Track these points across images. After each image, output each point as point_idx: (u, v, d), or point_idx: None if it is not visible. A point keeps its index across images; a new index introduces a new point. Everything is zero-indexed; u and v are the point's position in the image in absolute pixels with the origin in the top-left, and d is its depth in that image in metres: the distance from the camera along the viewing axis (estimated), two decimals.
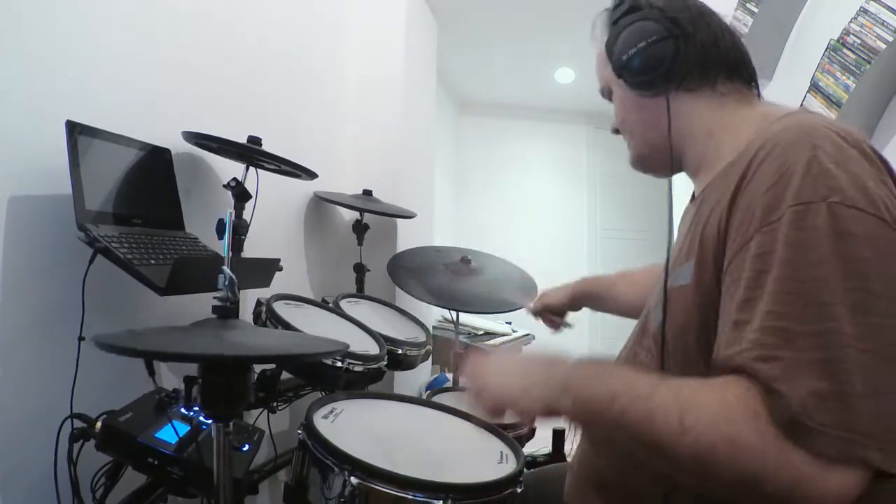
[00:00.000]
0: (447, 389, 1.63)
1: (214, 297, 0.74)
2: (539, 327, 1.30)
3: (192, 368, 0.68)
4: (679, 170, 0.77)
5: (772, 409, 0.48)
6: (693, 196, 0.77)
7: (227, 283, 0.73)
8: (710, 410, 0.51)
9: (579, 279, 1.24)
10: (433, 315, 2.64)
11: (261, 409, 1.26)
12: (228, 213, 0.78)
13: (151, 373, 0.71)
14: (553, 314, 1.26)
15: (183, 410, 0.89)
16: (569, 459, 0.95)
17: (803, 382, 0.47)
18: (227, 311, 0.74)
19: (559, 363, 0.64)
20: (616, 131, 0.82)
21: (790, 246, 0.51)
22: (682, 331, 0.62)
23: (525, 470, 0.89)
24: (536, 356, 0.67)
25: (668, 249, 0.68)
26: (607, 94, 0.81)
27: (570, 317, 1.28)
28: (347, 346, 0.69)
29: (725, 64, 0.71)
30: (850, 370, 0.47)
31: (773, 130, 0.59)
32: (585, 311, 1.24)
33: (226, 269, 0.72)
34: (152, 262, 0.98)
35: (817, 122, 0.57)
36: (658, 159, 0.77)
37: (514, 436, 1.04)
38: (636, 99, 0.74)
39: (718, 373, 0.53)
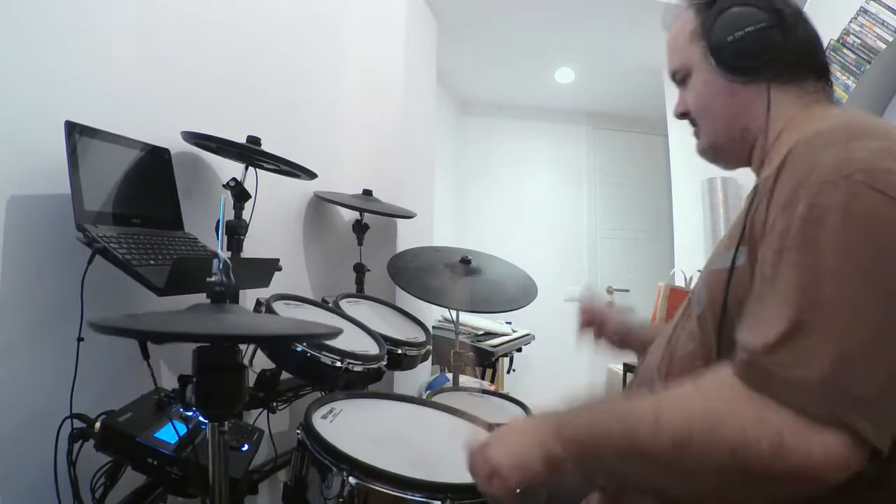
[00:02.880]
0: (447, 389, 1.63)
1: (209, 281, 0.74)
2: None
3: (188, 367, 0.68)
4: (748, 163, 0.76)
5: (753, 372, 0.51)
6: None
7: (220, 266, 0.72)
8: (684, 398, 0.55)
9: (645, 323, 1.06)
10: (433, 315, 2.64)
11: (260, 409, 1.26)
12: (222, 199, 0.77)
13: (146, 356, 0.70)
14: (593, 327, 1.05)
15: (182, 410, 0.89)
16: None
17: (801, 345, 0.49)
18: (221, 296, 0.73)
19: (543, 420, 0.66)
20: (682, 116, 0.80)
21: (803, 222, 0.52)
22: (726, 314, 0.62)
23: None
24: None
25: (741, 233, 0.64)
26: (681, 77, 0.79)
27: None
28: (341, 331, 0.69)
29: (817, 64, 0.71)
30: (849, 336, 0.47)
31: (819, 127, 0.59)
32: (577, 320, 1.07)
33: (220, 252, 0.72)
34: (151, 262, 0.98)
35: (865, 120, 0.57)
36: (732, 150, 0.76)
37: None
38: (727, 84, 0.72)
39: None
